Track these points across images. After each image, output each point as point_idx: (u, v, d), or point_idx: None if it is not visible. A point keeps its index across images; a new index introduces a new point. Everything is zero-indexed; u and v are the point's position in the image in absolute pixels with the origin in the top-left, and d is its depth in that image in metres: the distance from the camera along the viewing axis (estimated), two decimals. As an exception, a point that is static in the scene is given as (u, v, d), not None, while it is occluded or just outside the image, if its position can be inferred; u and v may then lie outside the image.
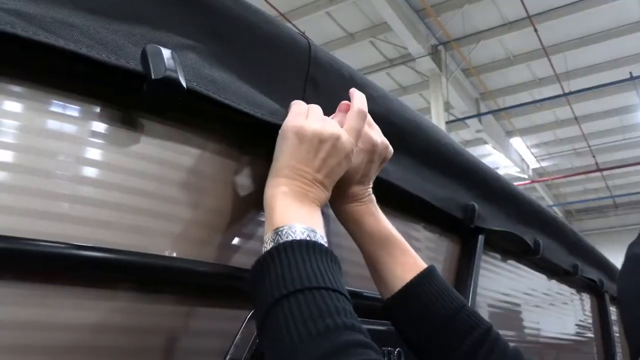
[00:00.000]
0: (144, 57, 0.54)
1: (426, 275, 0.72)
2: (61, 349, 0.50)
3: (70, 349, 0.50)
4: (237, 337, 0.66)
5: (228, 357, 0.64)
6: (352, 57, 9.48)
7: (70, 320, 0.50)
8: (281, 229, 0.57)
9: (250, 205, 0.71)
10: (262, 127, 0.68)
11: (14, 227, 0.47)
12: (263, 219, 0.72)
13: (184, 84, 0.55)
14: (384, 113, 0.89)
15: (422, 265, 0.74)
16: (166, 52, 0.55)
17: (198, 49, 0.62)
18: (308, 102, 0.72)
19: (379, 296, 0.77)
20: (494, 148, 12.58)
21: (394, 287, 0.73)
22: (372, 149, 0.74)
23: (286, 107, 0.71)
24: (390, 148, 0.78)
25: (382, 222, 0.76)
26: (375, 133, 0.76)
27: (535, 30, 8.95)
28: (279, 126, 0.67)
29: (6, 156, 0.48)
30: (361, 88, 0.87)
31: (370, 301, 0.85)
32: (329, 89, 0.80)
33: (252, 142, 0.72)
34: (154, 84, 0.53)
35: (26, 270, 0.48)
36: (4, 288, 0.46)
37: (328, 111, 0.73)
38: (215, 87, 0.61)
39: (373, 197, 0.77)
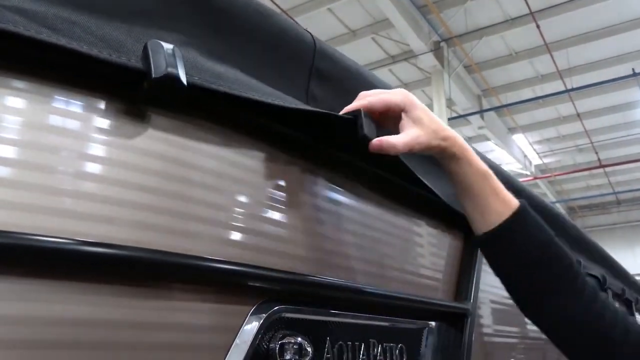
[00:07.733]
0: (145, 53, 0.54)
1: (521, 213, 0.83)
2: (63, 345, 0.50)
3: (72, 345, 0.50)
4: (240, 332, 0.66)
5: (230, 352, 0.64)
6: (354, 54, 9.44)
7: (73, 315, 0.50)
8: None
9: (254, 200, 0.71)
10: (264, 122, 0.68)
11: (17, 223, 0.47)
12: (265, 214, 0.72)
13: (184, 81, 0.55)
14: None
15: (515, 202, 0.84)
16: (167, 48, 0.55)
17: (199, 45, 0.62)
18: (312, 96, 0.73)
19: (381, 291, 0.77)
20: (496, 145, 12.58)
21: (492, 222, 0.82)
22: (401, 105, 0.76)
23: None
24: (404, 92, 0.79)
25: (474, 167, 0.84)
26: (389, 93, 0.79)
27: (538, 26, 8.93)
28: (285, 112, 0.67)
29: (9, 152, 0.48)
30: (367, 81, 0.87)
31: (372, 297, 0.85)
32: (335, 82, 0.80)
33: (255, 136, 0.72)
34: (155, 81, 0.53)
35: (29, 266, 0.48)
36: (7, 284, 0.46)
37: (336, 103, 0.73)
38: (220, 80, 0.61)
39: (454, 143, 0.81)
